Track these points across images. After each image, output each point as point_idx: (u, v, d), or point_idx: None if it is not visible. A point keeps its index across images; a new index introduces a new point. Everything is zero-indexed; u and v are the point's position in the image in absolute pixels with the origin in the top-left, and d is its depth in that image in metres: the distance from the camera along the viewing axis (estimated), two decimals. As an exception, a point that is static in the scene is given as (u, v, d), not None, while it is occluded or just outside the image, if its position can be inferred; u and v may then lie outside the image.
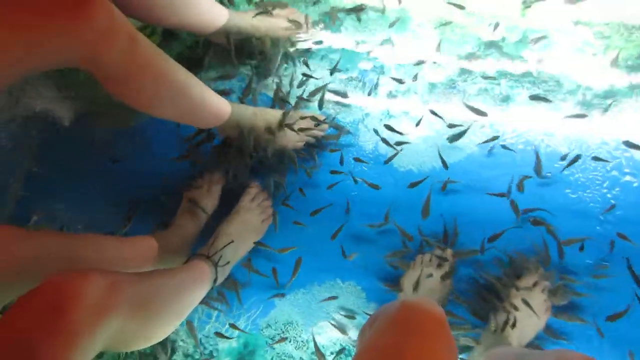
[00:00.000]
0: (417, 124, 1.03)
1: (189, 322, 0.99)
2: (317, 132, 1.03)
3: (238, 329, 1.00)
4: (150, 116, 1.10)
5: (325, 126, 1.03)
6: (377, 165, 1.04)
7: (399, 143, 1.03)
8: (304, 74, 1.07)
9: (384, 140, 1.03)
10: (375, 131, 1.05)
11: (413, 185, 1.01)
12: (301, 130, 1.00)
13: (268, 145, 0.98)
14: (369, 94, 1.07)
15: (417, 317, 0.52)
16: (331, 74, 1.07)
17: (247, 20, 1.00)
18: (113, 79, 0.70)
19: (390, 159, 1.02)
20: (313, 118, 1.01)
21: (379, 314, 0.61)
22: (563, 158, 0.98)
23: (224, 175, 1.03)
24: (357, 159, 1.04)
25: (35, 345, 0.47)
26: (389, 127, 1.03)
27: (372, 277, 1.00)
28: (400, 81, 1.05)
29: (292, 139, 1.00)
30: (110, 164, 1.12)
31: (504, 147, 1.01)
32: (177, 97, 0.79)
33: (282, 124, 0.98)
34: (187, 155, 1.07)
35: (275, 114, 0.99)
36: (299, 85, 1.08)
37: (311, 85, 1.08)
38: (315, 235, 1.03)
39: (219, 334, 1.00)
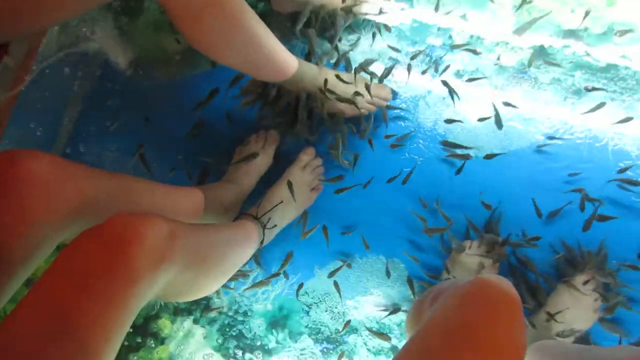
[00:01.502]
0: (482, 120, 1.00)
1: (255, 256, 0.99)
2: (381, 102, 1.00)
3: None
4: (203, 69, 1.10)
5: (389, 95, 1.01)
6: (435, 145, 1.02)
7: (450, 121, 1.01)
8: (390, 46, 1.05)
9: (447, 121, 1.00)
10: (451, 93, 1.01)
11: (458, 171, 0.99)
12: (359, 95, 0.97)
13: (327, 107, 0.96)
14: (436, 71, 1.03)
15: (493, 295, 0.50)
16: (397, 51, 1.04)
17: None
18: (186, 14, 0.69)
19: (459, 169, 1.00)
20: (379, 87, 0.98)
21: (443, 290, 0.59)
22: None
23: (279, 134, 1.01)
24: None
25: (95, 280, 0.47)
26: (445, 84, 1.00)
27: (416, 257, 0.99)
28: (475, 52, 1.01)
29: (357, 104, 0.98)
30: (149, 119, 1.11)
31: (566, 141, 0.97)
32: (247, 44, 0.77)
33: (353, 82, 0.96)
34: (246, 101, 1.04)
35: (341, 76, 0.96)
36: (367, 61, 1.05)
37: (376, 54, 1.05)
38: (364, 208, 1.01)
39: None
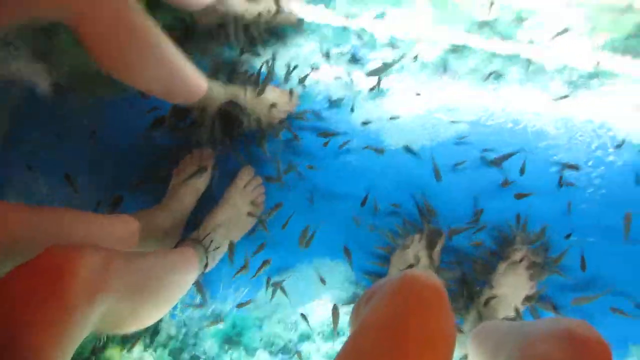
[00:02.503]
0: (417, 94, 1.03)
1: (197, 283, 0.97)
2: (288, 107, 1.01)
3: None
4: (126, 89, 1.07)
5: (296, 101, 1.02)
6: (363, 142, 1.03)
7: (393, 118, 1.02)
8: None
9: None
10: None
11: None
12: (272, 105, 0.98)
13: (246, 120, 0.96)
14: (361, 69, 1.05)
15: (419, 288, 0.51)
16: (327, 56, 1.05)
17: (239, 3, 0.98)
18: (97, 40, 0.68)
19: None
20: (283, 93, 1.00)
21: (377, 288, 0.60)
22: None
23: (213, 152, 1.00)
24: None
25: (30, 313, 0.46)
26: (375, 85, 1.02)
27: (361, 256, 1.00)
28: (394, 46, 1.04)
29: (270, 114, 0.99)
30: (87, 137, 1.06)
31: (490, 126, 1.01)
32: (158, 67, 0.77)
33: (260, 93, 0.97)
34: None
35: (249, 91, 0.97)
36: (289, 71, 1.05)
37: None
38: (303, 214, 1.01)
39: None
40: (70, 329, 0.48)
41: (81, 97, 1.08)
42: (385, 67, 1.00)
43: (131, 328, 0.69)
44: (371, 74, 1.01)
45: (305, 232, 0.98)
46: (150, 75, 0.77)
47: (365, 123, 1.03)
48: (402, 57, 1.03)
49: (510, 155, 0.99)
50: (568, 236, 0.96)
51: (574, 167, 0.98)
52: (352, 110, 1.04)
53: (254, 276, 0.99)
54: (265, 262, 0.98)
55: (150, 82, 0.80)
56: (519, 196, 0.96)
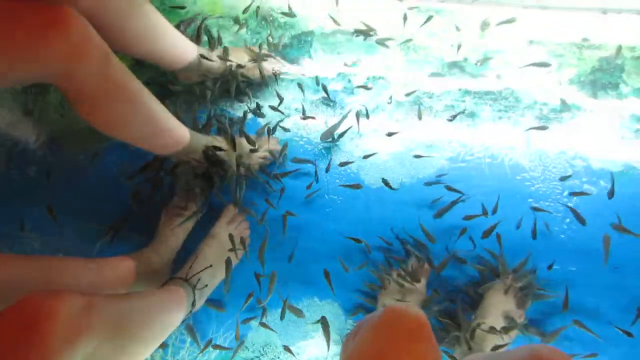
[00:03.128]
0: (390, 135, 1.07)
1: (188, 325, 0.97)
2: (268, 154, 1.05)
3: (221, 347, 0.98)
4: (113, 141, 1.11)
5: (276, 146, 1.06)
6: (350, 179, 1.07)
7: (367, 156, 1.06)
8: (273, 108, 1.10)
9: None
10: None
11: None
12: (252, 151, 1.02)
13: (227, 166, 1.00)
14: (341, 113, 1.10)
15: (399, 320, 0.53)
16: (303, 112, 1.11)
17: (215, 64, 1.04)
18: (83, 97, 0.70)
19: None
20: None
21: (362, 324, 0.62)
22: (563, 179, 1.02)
23: (199, 194, 1.03)
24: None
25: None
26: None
27: (349, 294, 1.01)
28: (367, 88, 1.09)
29: (250, 160, 1.03)
30: (79, 187, 1.09)
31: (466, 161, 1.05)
32: (143, 121, 0.80)
33: (241, 140, 1.01)
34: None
35: (230, 140, 1.01)
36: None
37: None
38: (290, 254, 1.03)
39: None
40: None
41: (71, 152, 1.12)
42: (334, 128, 1.05)
43: (120, 368, 0.69)
44: (323, 137, 1.06)
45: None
46: (135, 129, 0.80)
47: (343, 164, 1.06)
48: (345, 116, 1.07)
49: (454, 204, 1.01)
50: (550, 266, 0.98)
51: (543, 210, 1.01)
52: (329, 153, 1.08)
53: (241, 309, 1.00)
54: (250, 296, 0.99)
55: (136, 135, 0.82)
56: (486, 233, 0.99)
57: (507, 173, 1.04)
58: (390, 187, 1.03)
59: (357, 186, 1.03)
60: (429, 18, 1.10)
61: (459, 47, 1.07)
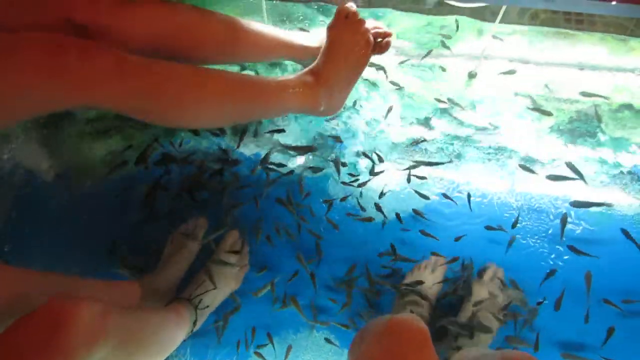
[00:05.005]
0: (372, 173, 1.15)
1: None
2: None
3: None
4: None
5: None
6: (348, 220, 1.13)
7: (361, 184, 1.13)
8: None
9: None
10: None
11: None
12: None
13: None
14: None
15: (402, 331, 0.59)
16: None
17: None
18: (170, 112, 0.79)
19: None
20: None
21: (368, 328, 0.67)
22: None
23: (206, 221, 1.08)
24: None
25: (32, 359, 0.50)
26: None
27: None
28: (367, 134, 1.18)
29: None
30: (87, 218, 1.14)
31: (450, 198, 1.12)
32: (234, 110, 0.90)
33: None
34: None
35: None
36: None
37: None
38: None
39: None
40: None
41: (76, 186, 1.16)
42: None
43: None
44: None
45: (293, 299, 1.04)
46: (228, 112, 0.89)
47: (343, 198, 1.13)
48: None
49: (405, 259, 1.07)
50: (540, 303, 1.03)
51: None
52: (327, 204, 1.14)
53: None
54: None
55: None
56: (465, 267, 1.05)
57: (495, 211, 1.11)
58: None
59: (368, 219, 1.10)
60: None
61: (448, 100, 1.20)
